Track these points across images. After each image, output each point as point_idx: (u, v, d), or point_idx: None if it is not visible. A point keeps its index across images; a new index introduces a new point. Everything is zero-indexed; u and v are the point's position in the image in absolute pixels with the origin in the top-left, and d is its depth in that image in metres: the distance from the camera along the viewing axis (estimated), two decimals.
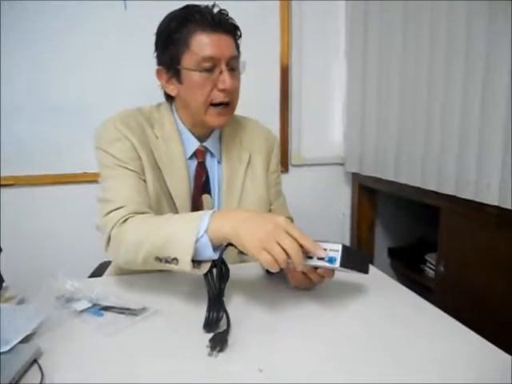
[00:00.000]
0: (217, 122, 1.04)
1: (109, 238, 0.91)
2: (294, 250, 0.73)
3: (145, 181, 1.00)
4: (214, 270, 0.79)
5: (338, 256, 0.76)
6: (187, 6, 0.99)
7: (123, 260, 0.91)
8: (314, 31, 2.06)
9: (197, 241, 0.79)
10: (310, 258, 0.78)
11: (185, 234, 0.80)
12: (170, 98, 1.10)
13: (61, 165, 1.82)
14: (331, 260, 0.77)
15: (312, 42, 2.07)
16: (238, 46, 1.05)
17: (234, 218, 0.80)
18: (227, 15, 1.01)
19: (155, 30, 1.03)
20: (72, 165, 1.79)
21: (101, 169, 1.02)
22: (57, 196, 1.83)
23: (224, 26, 0.99)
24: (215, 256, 0.80)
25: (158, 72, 1.05)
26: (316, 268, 0.84)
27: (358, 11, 1.96)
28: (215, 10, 0.99)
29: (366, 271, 0.85)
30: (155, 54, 1.05)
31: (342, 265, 0.76)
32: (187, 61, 0.99)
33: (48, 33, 1.73)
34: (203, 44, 0.97)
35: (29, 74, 1.74)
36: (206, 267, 0.80)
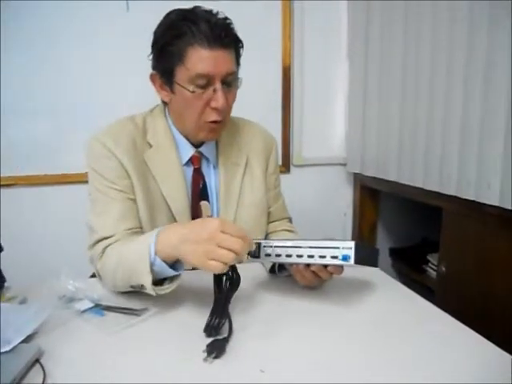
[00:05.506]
0: (209, 136, 1.03)
1: (98, 270, 0.96)
2: (237, 245, 0.73)
3: (134, 199, 0.99)
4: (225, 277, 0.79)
5: (351, 254, 0.78)
6: (186, 13, 0.93)
7: (112, 289, 0.94)
8: (316, 31, 2.05)
9: (153, 265, 0.80)
10: (323, 257, 0.81)
11: (140, 263, 0.81)
12: (165, 102, 1.07)
13: (61, 165, 1.82)
14: (345, 258, 0.79)
15: (314, 42, 2.06)
16: (238, 58, 0.99)
17: (174, 238, 0.79)
18: (229, 26, 0.94)
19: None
20: (72, 165, 1.78)
21: (89, 188, 1.02)
22: (57, 196, 1.83)
23: (223, 39, 0.91)
24: (176, 272, 0.82)
25: (152, 76, 1.00)
26: (325, 266, 0.84)
27: (359, 11, 1.96)
28: (219, 16, 0.93)
29: (375, 265, 0.87)
30: (150, 57, 0.99)
31: (357, 262, 0.78)
32: (180, 75, 0.94)
33: (47, 33, 1.73)
34: (198, 60, 0.91)
35: (28, 75, 1.74)
36: (172, 286, 0.83)
